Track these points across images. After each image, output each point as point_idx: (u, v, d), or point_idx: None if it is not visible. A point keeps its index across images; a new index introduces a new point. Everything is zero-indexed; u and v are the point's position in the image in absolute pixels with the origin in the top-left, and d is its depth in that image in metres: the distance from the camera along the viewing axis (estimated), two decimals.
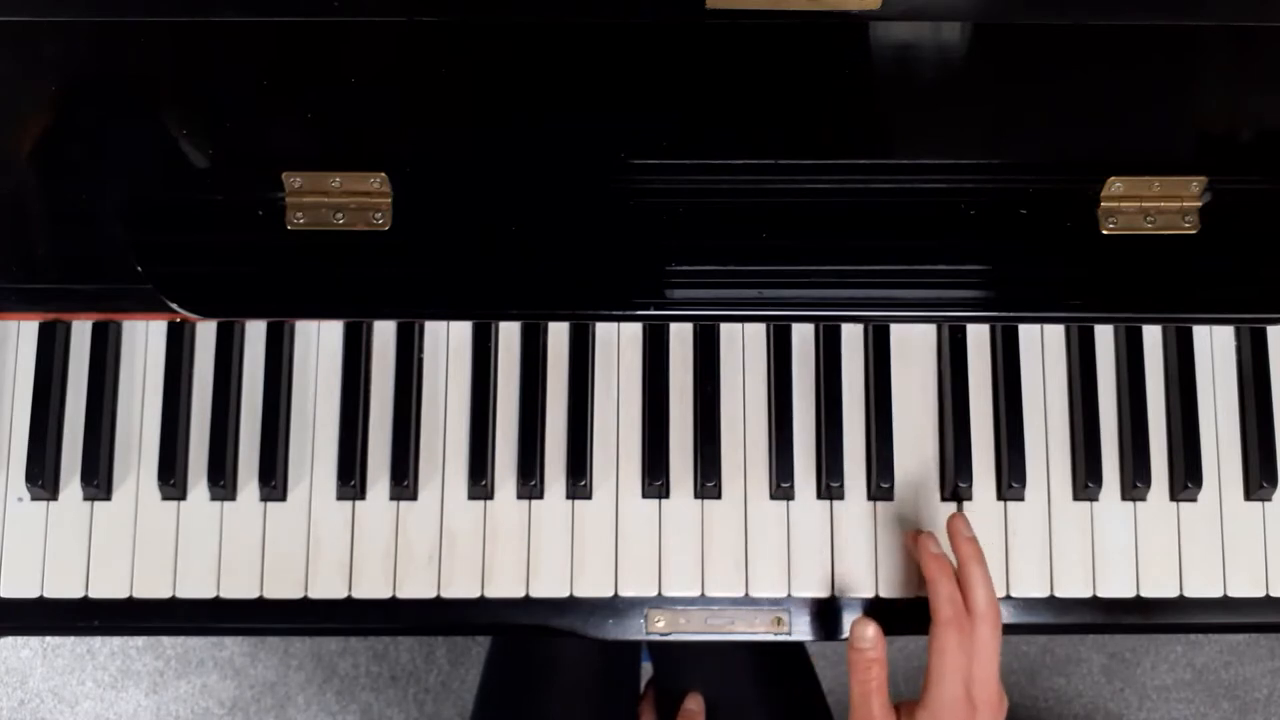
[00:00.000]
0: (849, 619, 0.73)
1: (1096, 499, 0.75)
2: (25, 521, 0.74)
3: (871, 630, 0.68)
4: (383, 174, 0.72)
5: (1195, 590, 0.74)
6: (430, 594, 0.73)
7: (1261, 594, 0.74)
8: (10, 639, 1.46)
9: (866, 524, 0.74)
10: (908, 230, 0.73)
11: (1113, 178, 0.72)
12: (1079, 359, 0.75)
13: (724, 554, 0.74)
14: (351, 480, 0.74)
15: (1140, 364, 0.75)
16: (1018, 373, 0.76)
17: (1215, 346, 0.77)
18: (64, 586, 0.73)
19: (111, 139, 0.73)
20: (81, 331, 0.75)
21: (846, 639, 0.72)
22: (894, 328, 0.76)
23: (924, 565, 0.70)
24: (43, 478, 0.73)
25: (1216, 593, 0.74)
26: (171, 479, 0.74)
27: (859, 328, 0.76)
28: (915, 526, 0.74)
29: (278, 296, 0.73)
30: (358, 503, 0.74)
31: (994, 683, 0.67)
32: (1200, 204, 0.73)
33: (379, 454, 0.75)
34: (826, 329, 0.76)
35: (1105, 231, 0.73)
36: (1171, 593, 0.74)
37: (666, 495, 0.75)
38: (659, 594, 0.74)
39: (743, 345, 0.76)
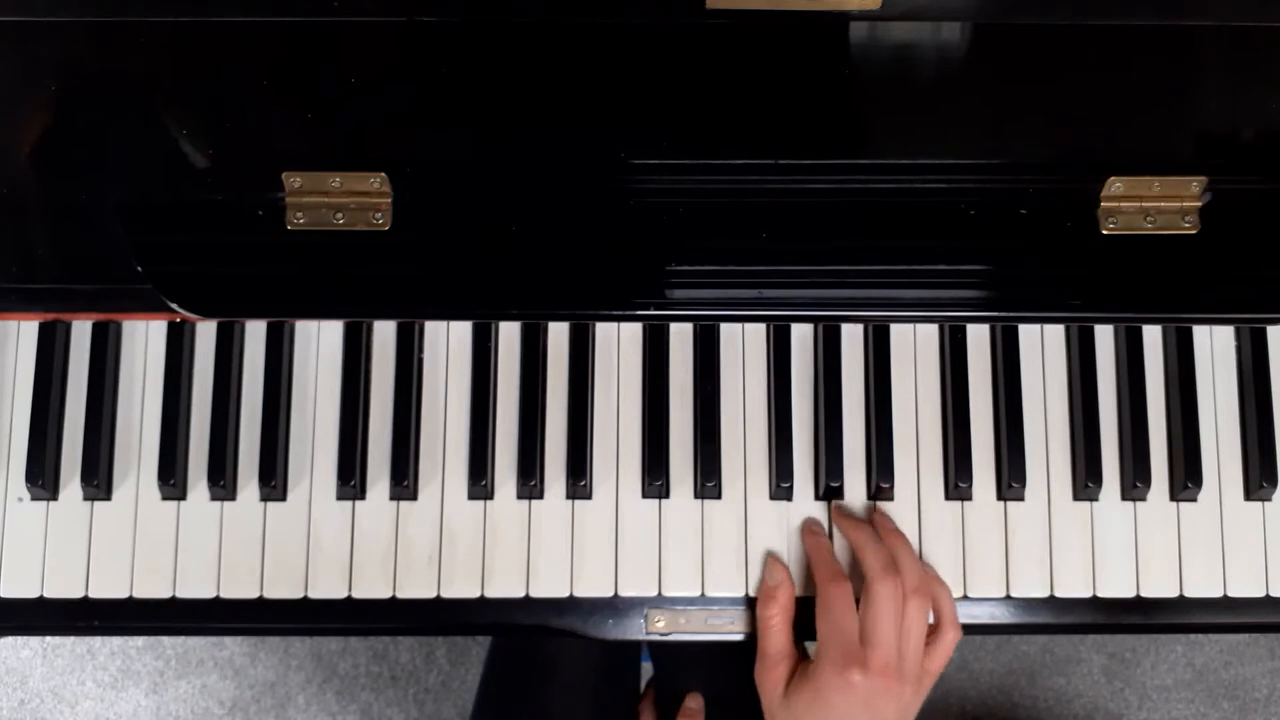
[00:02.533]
0: None
1: (1096, 499, 0.75)
2: (25, 521, 0.74)
3: (779, 571, 0.73)
4: (383, 174, 0.72)
5: (1195, 590, 0.74)
6: (430, 594, 0.73)
7: (1261, 594, 0.74)
8: (10, 639, 1.46)
9: None
10: (908, 230, 0.73)
11: (1113, 178, 0.72)
12: (1079, 359, 0.75)
13: (724, 554, 0.74)
14: (351, 480, 0.74)
15: (1140, 364, 0.75)
16: (1018, 373, 0.76)
17: (1215, 346, 0.77)
18: (64, 586, 0.73)
19: (111, 139, 0.73)
20: (81, 331, 0.75)
21: None
22: (894, 327, 0.76)
23: (846, 534, 0.73)
24: (43, 478, 0.73)
25: (1216, 593, 0.74)
26: (171, 479, 0.74)
27: (859, 328, 0.76)
28: (915, 526, 0.74)
29: (278, 296, 0.73)
30: (358, 503, 0.74)
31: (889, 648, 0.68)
32: (1200, 204, 0.73)
33: (379, 454, 0.75)
34: (826, 329, 0.76)
35: (1105, 231, 0.73)
36: (1171, 593, 0.74)
37: (666, 495, 0.75)
38: (659, 594, 0.74)
39: (743, 345, 0.76)
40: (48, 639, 1.49)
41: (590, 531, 0.74)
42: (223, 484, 0.73)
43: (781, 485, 0.74)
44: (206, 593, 0.73)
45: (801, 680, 0.69)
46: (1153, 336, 0.76)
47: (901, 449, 0.75)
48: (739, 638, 0.74)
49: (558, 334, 0.76)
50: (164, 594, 0.73)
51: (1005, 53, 0.73)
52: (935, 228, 0.73)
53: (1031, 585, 0.74)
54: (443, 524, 0.74)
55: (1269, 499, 0.75)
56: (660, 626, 0.74)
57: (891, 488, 0.74)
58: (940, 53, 0.72)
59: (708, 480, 0.74)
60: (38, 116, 0.72)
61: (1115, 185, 0.72)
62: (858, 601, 0.70)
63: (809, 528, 0.74)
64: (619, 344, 0.76)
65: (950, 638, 0.71)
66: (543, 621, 0.74)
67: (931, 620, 0.71)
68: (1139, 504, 0.75)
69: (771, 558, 0.74)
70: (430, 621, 0.74)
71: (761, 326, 0.76)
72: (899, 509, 0.75)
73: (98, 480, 0.73)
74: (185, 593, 0.73)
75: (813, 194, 0.73)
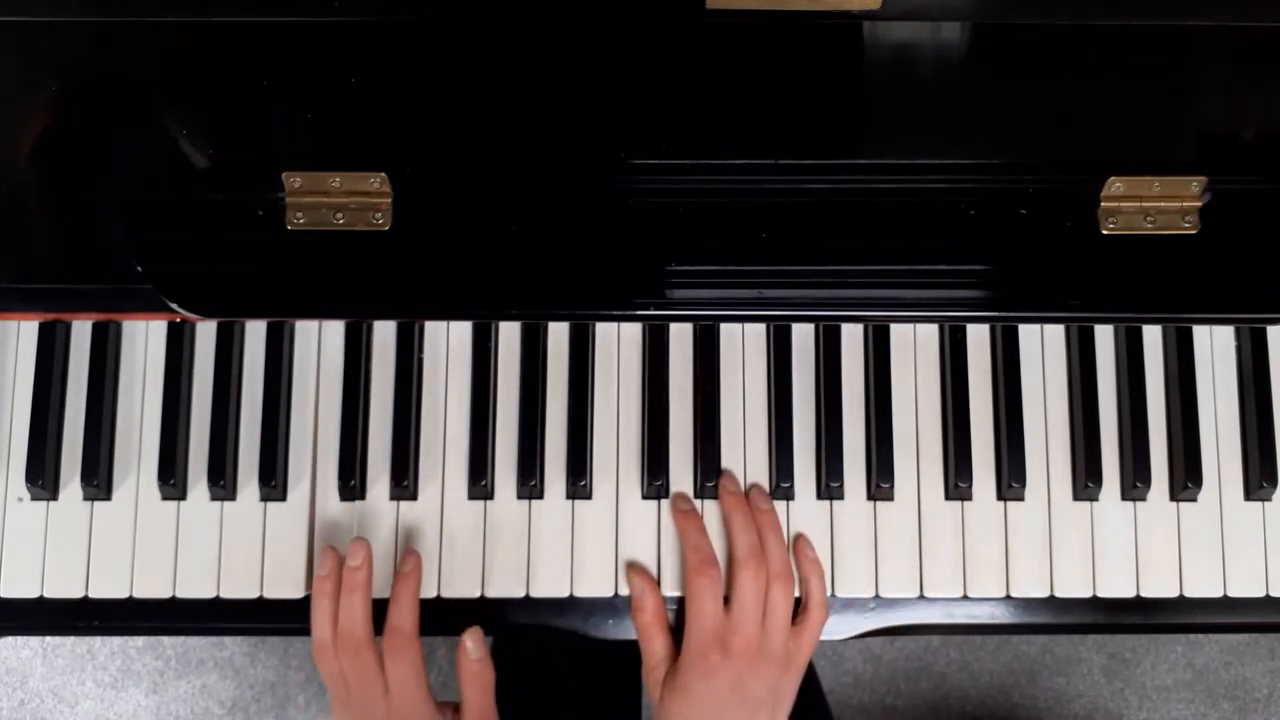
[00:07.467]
0: (850, 618, 0.73)
1: (1096, 499, 0.75)
2: (25, 521, 0.74)
3: (639, 581, 0.72)
4: (383, 174, 0.72)
5: (1195, 590, 0.74)
6: (430, 594, 0.73)
7: (1261, 594, 0.74)
8: (10, 639, 1.46)
9: (866, 524, 0.74)
10: (908, 230, 0.73)
11: (1113, 178, 0.72)
12: (1079, 359, 0.75)
13: (724, 554, 0.74)
14: (352, 480, 0.74)
15: (1140, 364, 0.75)
16: (1018, 373, 0.76)
17: (1215, 346, 0.77)
18: (64, 586, 0.73)
19: (112, 139, 0.73)
20: (81, 331, 0.75)
21: (844, 638, 0.73)
22: (894, 327, 0.76)
23: (674, 519, 0.74)
24: (43, 478, 0.73)
25: (1216, 593, 0.74)
26: (171, 479, 0.74)
27: (859, 328, 0.76)
28: (914, 526, 0.74)
29: (278, 296, 0.73)
30: (358, 503, 0.74)
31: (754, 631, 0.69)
32: (1200, 204, 0.73)
33: (379, 454, 0.75)
34: (826, 329, 0.76)
35: (1105, 231, 0.73)
36: (1171, 593, 0.74)
37: (666, 495, 0.75)
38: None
39: (743, 345, 0.76)
40: (48, 639, 1.48)
41: (590, 531, 0.74)
42: (223, 484, 0.73)
43: (782, 485, 0.74)
44: (206, 593, 0.73)
45: (671, 675, 0.70)
46: (1153, 336, 0.76)
47: (901, 449, 0.75)
48: None
49: (558, 334, 0.76)
50: (164, 594, 0.73)
51: (1005, 53, 0.73)
52: (935, 228, 0.73)
53: (1031, 585, 0.74)
54: (443, 524, 0.74)
55: (1269, 499, 0.75)
56: None
57: (891, 487, 0.74)
58: (940, 53, 0.72)
59: (708, 480, 0.74)
60: (38, 116, 0.72)
61: (1115, 185, 0.72)
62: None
63: (678, 505, 0.74)
64: (619, 344, 0.76)
65: (817, 619, 0.72)
66: (543, 621, 0.74)
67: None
68: (1139, 504, 0.75)
69: (630, 568, 0.73)
70: (430, 621, 0.74)
71: (761, 326, 0.76)
72: (899, 509, 0.75)
73: (98, 480, 0.73)
74: (185, 593, 0.73)
75: (813, 194, 0.73)
